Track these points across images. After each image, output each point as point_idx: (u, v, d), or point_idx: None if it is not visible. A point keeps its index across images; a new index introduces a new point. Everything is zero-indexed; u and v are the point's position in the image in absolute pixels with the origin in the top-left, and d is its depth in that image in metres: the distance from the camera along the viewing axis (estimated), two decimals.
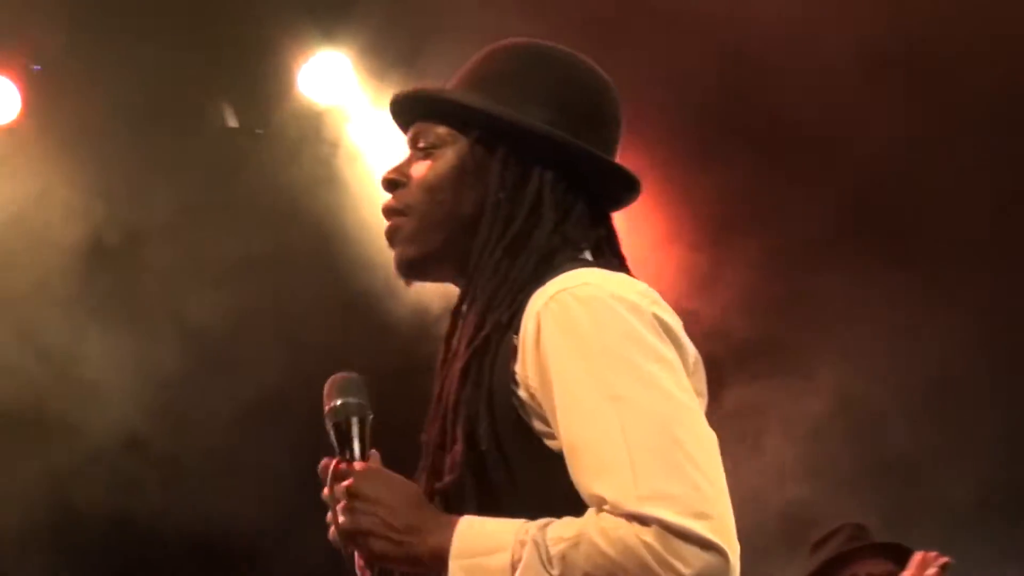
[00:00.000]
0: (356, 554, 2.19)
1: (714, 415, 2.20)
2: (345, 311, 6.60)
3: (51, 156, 6.03)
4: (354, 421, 2.23)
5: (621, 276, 2.20)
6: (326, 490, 2.19)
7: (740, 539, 1.99)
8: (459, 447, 2.15)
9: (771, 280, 6.47)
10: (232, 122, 6.60)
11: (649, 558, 1.91)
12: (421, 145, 2.33)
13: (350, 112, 6.48)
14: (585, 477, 2.01)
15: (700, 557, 1.91)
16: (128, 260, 6.32)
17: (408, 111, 2.39)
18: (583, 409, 2.03)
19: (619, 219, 2.43)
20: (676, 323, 2.16)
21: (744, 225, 6.52)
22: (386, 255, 2.48)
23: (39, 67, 6.14)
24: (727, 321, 6.24)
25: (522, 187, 2.26)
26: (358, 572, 2.20)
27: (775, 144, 6.37)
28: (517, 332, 2.13)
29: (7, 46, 6.02)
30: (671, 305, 2.17)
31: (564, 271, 2.16)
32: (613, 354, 2.04)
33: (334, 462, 2.20)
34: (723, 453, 2.08)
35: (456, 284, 2.33)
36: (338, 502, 2.16)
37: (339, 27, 6.31)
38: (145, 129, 6.08)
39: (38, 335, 6.24)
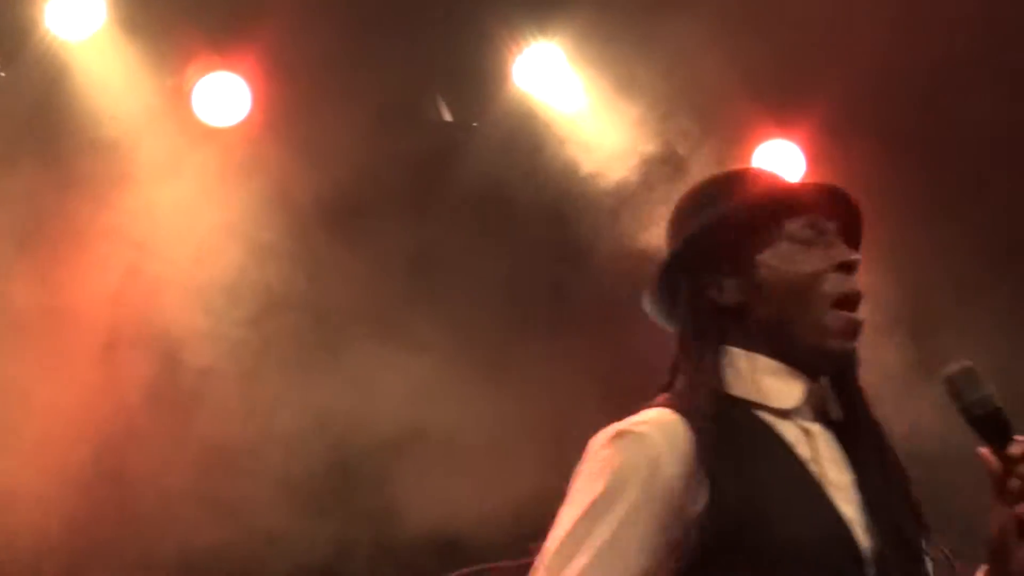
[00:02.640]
0: None
1: None
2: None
3: (281, 155, 6.27)
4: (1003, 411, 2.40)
5: None
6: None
7: None
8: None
9: None
10: (447, 116, 6.76)
11: None
12: (858, 254, 2.59)
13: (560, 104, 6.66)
14: None
15: None
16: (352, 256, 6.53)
17: (844, 208, 2.66)
18: None
19: None
20: None
21: None
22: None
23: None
24: None
25: None
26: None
27: None
28: None
29: (239, 45, 6.21)
30: None
31: None
32: None
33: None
34: None
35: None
36: None
37: (553, 19, 6.45)
38: (370, 125, 6.24)
39: None
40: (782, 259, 2.55)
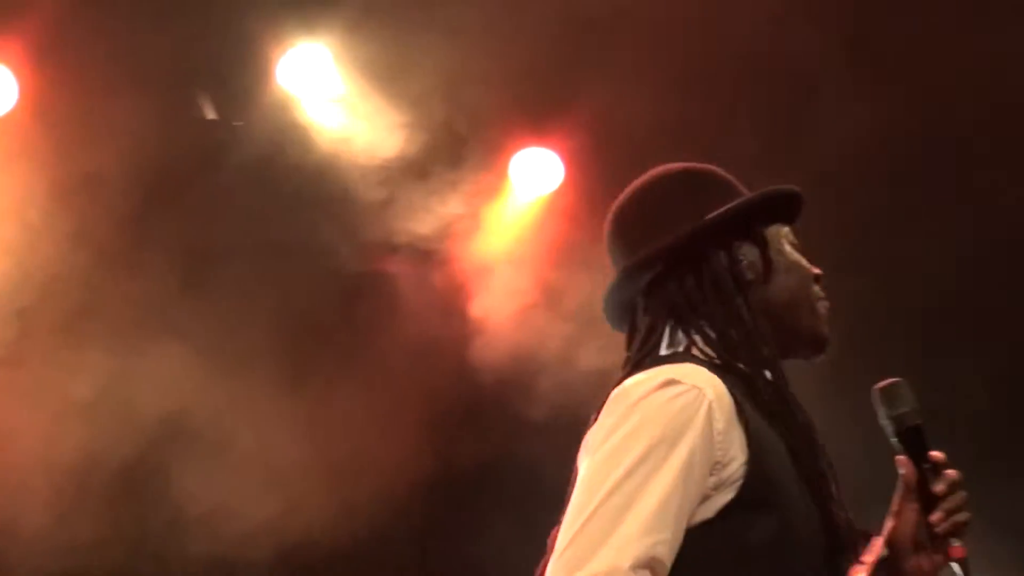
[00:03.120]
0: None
1: None
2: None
3: (51, 145, 6.26)
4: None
5: None
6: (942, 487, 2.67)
7: None
8: None
9: None
10: (211, 114, 6.87)
11: None
12: None
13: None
14: None
15: None
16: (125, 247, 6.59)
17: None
18: None
19: None
20: None
21: None
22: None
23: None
24: None
25: None
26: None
27: None
28: None
29: (4, 35, 6.19)
30: None
31: None
32: None
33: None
34: None
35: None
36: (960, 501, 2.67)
37: (319, 19, 6.58)
38: (141, 118, 6.30)
39: None
40: (791, 253, 2.84)
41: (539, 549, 2.72)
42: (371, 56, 6.59)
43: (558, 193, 7.24)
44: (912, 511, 2.70)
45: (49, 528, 6.46)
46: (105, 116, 6.15)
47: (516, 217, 7.32)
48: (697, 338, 2.75)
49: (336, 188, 6.74)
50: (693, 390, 2.57)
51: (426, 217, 6.90)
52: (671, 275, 2.80)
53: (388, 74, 6.63)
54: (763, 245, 2.81)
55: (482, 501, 7.44)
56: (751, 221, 2.83)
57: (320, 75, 6.67)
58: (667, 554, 2.48)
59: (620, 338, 2.99)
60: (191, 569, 6.92)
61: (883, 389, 2.74)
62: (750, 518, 2.57)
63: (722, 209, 2.82)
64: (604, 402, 2.65)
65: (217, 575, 6.99)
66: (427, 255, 6.99)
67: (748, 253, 2.79)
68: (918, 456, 2.70)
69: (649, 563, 2.44)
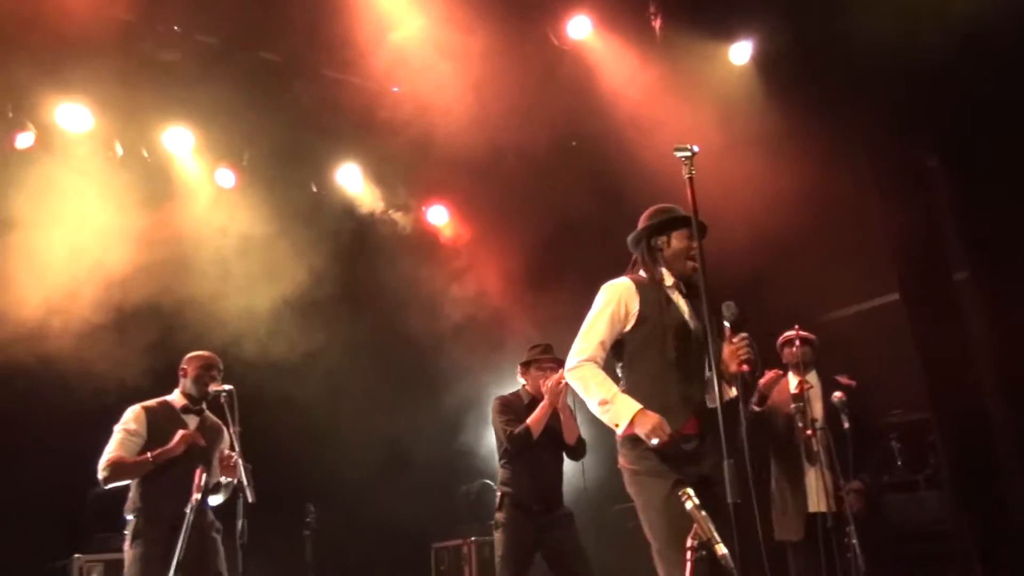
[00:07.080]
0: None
1: None
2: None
3: None
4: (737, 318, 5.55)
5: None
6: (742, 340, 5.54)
7: None
8: None
9: None
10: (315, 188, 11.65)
11: None
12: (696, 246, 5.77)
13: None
14: None
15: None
16: None
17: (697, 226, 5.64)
18: None
19: None
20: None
21: None
22: None
23: None
24: None
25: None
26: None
27: None
28: None
29: None
30: None
31: None
32: None
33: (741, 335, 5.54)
34: None
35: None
36: (743, 345, 5.53)
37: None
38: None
39: None
40: (679, 240, 5.92)
41: None
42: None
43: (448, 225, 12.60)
44: (728, 347, 5.53)
45: None
46: None
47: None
48: (639, 267, 5.94)
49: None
50: (618, 286, 5.86)
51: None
52: (637, 241, 5.96)
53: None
54: (668, 235, 5.85)
55: None
56: (661, 226, 5.85)
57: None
58: (608, 342, 5.82)
59: None
60: None
61: (723, 304, 5.38)
62: (642, 328, 5.83)
63: (652, 222, 5.90)
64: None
65: None
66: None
67: (661, 237, 5.89)
68: (737, 330, 5.41)
69: (600, 345, 5.80)
